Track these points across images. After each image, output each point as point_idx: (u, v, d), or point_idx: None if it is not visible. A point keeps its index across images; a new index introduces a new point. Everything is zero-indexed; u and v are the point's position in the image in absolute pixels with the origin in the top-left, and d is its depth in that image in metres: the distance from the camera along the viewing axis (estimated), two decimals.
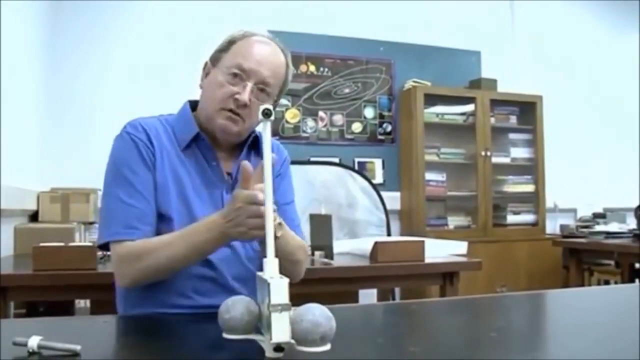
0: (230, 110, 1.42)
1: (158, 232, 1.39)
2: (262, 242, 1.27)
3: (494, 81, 4.88)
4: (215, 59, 1.49)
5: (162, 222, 1.41)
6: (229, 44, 1.47)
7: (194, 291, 1.39)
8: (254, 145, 1.55)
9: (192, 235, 1.31)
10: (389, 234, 4.34)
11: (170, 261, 1.33)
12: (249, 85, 1.41)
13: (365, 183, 4.37)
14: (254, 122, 1.47)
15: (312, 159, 4.37)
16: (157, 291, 1.38)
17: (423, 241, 2.61)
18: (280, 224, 1.31)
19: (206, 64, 1.52)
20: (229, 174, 1.49)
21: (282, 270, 1.22)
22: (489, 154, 4.72)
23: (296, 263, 1.50)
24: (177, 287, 1.39)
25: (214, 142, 1.49)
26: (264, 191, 1.03)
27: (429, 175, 4.61)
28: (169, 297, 1.38)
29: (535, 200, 4.95)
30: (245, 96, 1.40)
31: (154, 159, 1.42)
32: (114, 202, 1.38)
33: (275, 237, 1.28)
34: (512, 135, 5.00)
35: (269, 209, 1.00)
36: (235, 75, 1.42)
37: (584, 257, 4.27)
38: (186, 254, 1.32)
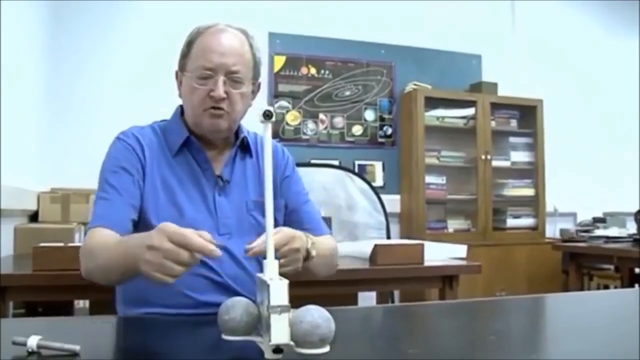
0: (212, 108, 1.44)
1: None
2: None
3: (495, 85, 4.88)
4: (181, 66, 1.51)
5: (148, 228, 1.40)
6: (188, 46, 1.49)
7: (191, 289, 1.40)
8: (244, 146, 1.57)
9: (118, 246, 1.23)
10: (388, 237, 4.34)
11: (105, 267, 1.26)
12: (220, 78, 1.42)
13: (365, 185, 4.37)
14: (239, 111, 1.48)
15: (313, 161, 4.37)
16: (154, 290, 1.37)
17: (422, 244, 2.61)
18: (313, 243, 1.32)
19: (177, 73, 1.54)
20: (219, 176, 1.50)
21: (319, 273, 1.42)
22: (489, 157, 4.72)
23: (332, 266, 1.59)
24: (174, 285, 1.38)
25: (205, 144, 1.51)
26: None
27: (429, 179, 4.62)
28: (167, 295, 1.38)
29: (535, 204, 4.95)
30: (219, 91, 1.42)
31: (144, 168, 1.45)
32: (96, 203, 1.42)
33: (311, 258, 1.32)
34: (512, 139, 5.00)
35: (270, 212, 1.00)
36: (204, 76, 1.43)
37: (584, 262, 4.27)
38: (118, 262, 1.19)
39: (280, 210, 1.59)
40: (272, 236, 1.17)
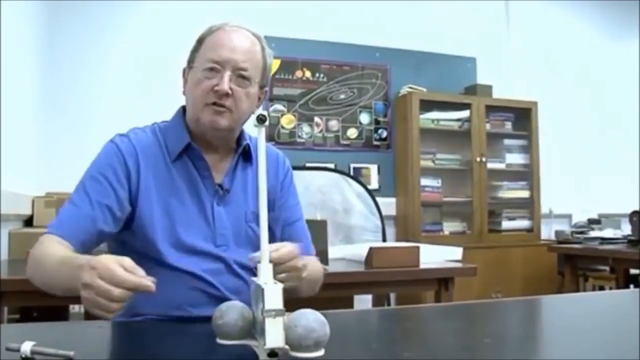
0: (215, 104, 1.39)
1: (143, 252, 1.35)
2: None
3: (489, 87, 4.89)
4: (190, 61, 1.47)
5: (143, 241, 1.38)
6: (199, 42, 1.46)
7: (188, 303, 1.37)
8: (246, 153, 1.52)
9: (64, 264, 1.18)
10: (384, 240, 4.34)
11: (49, 283, 1.24)
12: (227, 74, 1.39)
13: (361, 188, 4.38)
14: (242, 111, 1.44)
15: (308, 164, 4.37)
16: (150, 303, 1.34)
17: (418, 247, 2.61)
18: (304, 265, 1.29)
19: (184, 70, 1.50)
20: (219, 185, 1.46)
21: (299, 293, 1.35)
22: (484, 159, 4.73)
23: (314, 290, 1.54)
24: (171, 299, 1.35)
25: (206, 148, 1.46)
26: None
27: (425, 181, 4.62)
28: (163, 308, 1.35)
29: (530, 206, 4.96)
30: (224, 85, 1.38)
31: (138, 174, 1.40)
32: (67, 204, 1.38)
33: (302, 279, 1.29)
34: (507, 141, 5.02)
35: (264, 223, 1.00)
36: (211, 69, 1.40)
37: (579, 263, 4.28)
38: (62, 282, 1.17)
39: (278, 224, 1.56)
40: (279, 249, 1.19)
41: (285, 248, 1.21)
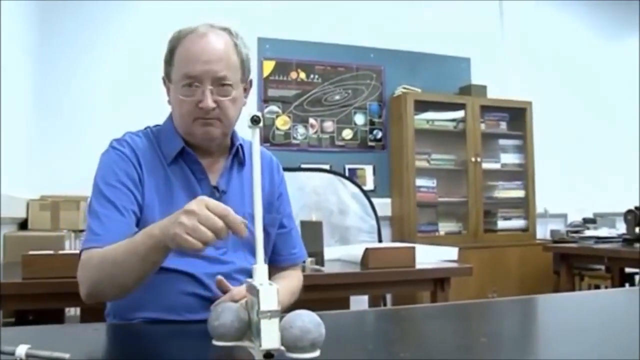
0: (203, 117, 1.38)
1: None
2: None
3: (484, 87, 4.90)
4: (166, 73, 1.45)
5: None
6: (170, 54, 1.43)
7: (183, 308, 1.36)
8: (238, 155, 1.52)
9: (135, 236, 1.20)
10: (380, 240, 4.34)
11: (115, 266, 1.21)
12: (207, 88, 1.36)
13: (356, 189, 4.38)
14: (231, 117, 1.43)
15: (303, 165, 4.37)
16: (146, 307, 1.35)
17: (414, 247, 2.61)
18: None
19: (164, 79, 1.48)
20: (215, 187, 1.45)
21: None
22: (479, 160, 4.74)
23: (292, 300, 1.53)
24: (167, 303, 1.35)
25: (200, 151, 1.46)
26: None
27: (420, 182, 4.63)
28: (158, 313, 1.35)
29: (525, 205, 4.97)
30: (208, 102, 1.35)
31: (142, 178, 1.39)
32: (91, 216, 1.35)
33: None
34: (502, 141, 5.03)
35: (259, 223, 0.99)
36: (189, 85, 1.37)
37: (575, 262, 4.29)
38: (126, 257, 1.19)
39: (275, 226, 1.57)
40: (238, 289, 1.23)
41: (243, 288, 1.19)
